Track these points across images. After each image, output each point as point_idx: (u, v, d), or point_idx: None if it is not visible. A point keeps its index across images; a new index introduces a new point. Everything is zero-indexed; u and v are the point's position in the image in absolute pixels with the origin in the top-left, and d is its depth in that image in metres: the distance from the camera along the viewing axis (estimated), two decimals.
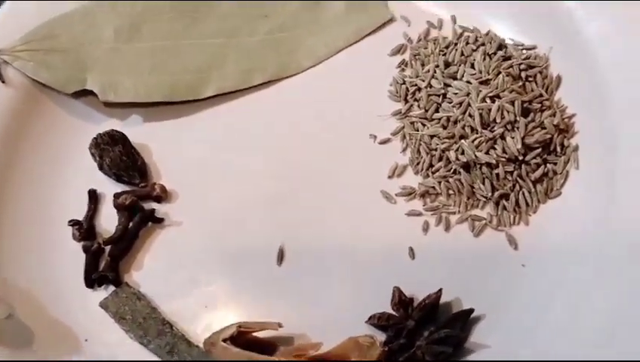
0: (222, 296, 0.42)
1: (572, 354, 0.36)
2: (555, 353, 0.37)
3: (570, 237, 0.40)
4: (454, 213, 0.43)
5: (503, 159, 0.41)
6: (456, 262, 0.41)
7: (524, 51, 0.45)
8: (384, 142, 0.45)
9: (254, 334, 0.39)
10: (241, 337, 0.39)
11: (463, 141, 0.42)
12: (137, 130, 0.46)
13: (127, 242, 0.43)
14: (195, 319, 0.41)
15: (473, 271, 0.41)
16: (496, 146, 0.41)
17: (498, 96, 0.42)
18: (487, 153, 0.41)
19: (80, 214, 0.44)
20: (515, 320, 0.39)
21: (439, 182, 0.43)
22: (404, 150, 0.44)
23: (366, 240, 0.42)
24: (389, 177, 0.44)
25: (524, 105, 0.42)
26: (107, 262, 0.42)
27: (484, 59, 0.43)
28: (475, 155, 0.41)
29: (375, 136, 0.45)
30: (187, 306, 0.42)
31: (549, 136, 0.42)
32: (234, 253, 0.43)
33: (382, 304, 0.40)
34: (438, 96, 0.44)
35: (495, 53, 0.44)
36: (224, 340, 0.38)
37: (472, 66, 0.43)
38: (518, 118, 0.41)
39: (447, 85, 0.43)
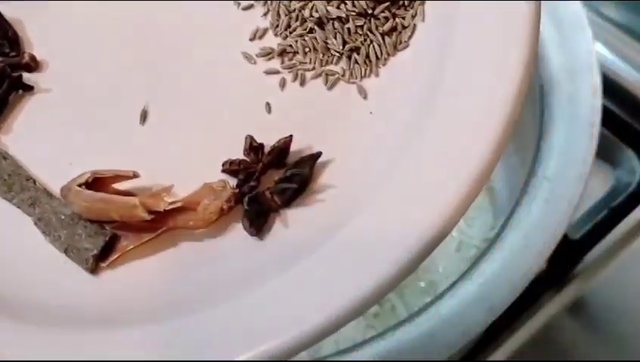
0: (86, 155, 0.43)
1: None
2: (398, 197, 0.37)
3: (415, 84, 0.41)
4: (310, 69, 0.43)
5: (353, 13, 0.42)
6: (310, 113, 0.42)
7: None
8: (247, 8, 0.46)
9: (113, 186, 0.40)
10: (98, 187, 0.39)
11: None
12: (11, 5, 0.48)
13: None
14: (58, 176, 0.41)
15: (325, 121, 0.41)
16: (346, 1, 0.42)
17: None
18: (337, 8, 0.42)
19: None
20: (361, 164, 0.39)
21: (296, 41, 0.43)
22: (265, 14, 0.45)
23: (225, 98, 0.43)
24: (250, 40, 0.45)
25: None
26: None
27: None
28: (327, 10, 0.42)
29: (239, 3, 0.46)
30: (52, 165, 0.43)
31: None
32: (99, 117, 0.44)
33: (238, 155, 0.40)
34: None
35: None
36: (79, 185, 0.39)
37: None
38: None
39: None
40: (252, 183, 0.38)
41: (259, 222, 0.38)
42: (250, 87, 0.43)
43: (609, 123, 0.70)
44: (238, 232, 0.39)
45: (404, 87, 0.41)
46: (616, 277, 0.64)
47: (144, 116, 0.43)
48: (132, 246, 0.38)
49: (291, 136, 0.39)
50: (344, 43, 0.42)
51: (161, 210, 0.37)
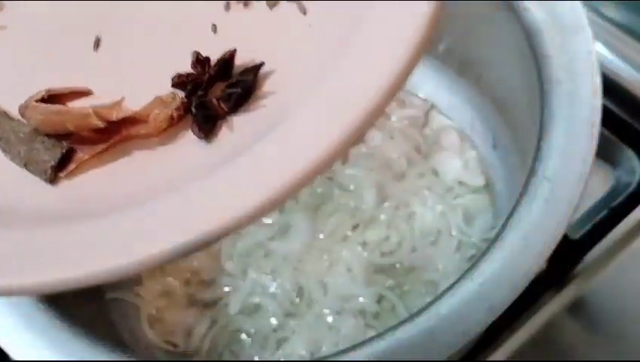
0: (43, 83, 0.44)
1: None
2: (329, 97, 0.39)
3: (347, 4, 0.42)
4: None
5: None
6: (253, 31, 0.44)
7: None
8: None
9: (68, 104, 0.43)
10: (54, 104, 0.42)
11: None
12: None
13: None
14: (17, 102, 0.43)
15: (267, 36, 0.43)
16: None
17: None
18: None
19: None
20: (301, 71, 0.41)
21: None
22: None
23: (172, 23, 0.45)
24: None
25: None
26: None
27: None
28: None
29: None
30: (10, 92, 0.44)
31: None
32: (54, 48, 0.47)
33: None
34: None
35: None
36: (36, 102, 0.41)
37: None
38: None
39: None
40: (200, 93, 0.40)
41: (207, 126, 0.39)
42: (196, 11, 0.45)
43: (609, 123, 0.69)
44: (188, 138, 0.41)
45: (338, 5, 0.43)
46: (616, 277, 0.64)
47: (97, 43, 0.45)
48: (88, 157, 0.40)
49: (235, 49, 0.41)
50: None
51: (114, 118, 0.39)
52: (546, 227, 0.53)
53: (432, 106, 0.80)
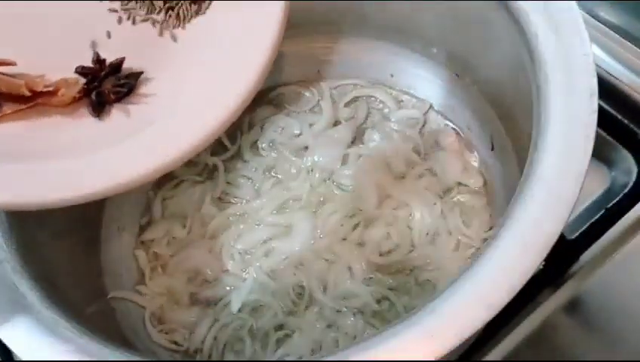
0: None
1: None
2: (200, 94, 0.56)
3: (208, 36, 0.59)
4: (140, 14, 0.60)
5: None
6: (138, 43, 0.60)
7: None
8: None
9: None
10: None
11: None
12: None
13: None
14: None
15: (147, 49, 0.59)
16: None
17: None
18: None
19: None
20: (171, 78, 0.58)
21: None
22: None
23: (80, 27, 0.60)
24: None
25: None
26: None
27: None
28: None
29: None
30: None
31: None
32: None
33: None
34: None
35: None
36: None
37: None
38: None
39: None
40: (96, 84, 0.55)
41: (99, 109, 0.55)
42: (97, 20, 0.59)
43: (605, 124, 0.68)
44: (85, 113, 0.55)
45: (201, 35, 0.59)
46: (611, 277, 0.64)
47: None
48: (10, 112, 0.53)
49: (124, 57, 0.56)
50: (165, 2, 0.59)
51: (38, 90, 0.52)
52: (543, 227, 0.53)
53: (431, 107, 0.79)
